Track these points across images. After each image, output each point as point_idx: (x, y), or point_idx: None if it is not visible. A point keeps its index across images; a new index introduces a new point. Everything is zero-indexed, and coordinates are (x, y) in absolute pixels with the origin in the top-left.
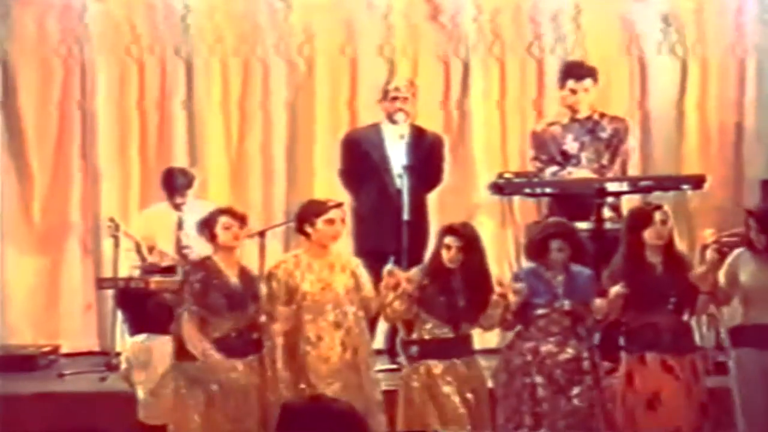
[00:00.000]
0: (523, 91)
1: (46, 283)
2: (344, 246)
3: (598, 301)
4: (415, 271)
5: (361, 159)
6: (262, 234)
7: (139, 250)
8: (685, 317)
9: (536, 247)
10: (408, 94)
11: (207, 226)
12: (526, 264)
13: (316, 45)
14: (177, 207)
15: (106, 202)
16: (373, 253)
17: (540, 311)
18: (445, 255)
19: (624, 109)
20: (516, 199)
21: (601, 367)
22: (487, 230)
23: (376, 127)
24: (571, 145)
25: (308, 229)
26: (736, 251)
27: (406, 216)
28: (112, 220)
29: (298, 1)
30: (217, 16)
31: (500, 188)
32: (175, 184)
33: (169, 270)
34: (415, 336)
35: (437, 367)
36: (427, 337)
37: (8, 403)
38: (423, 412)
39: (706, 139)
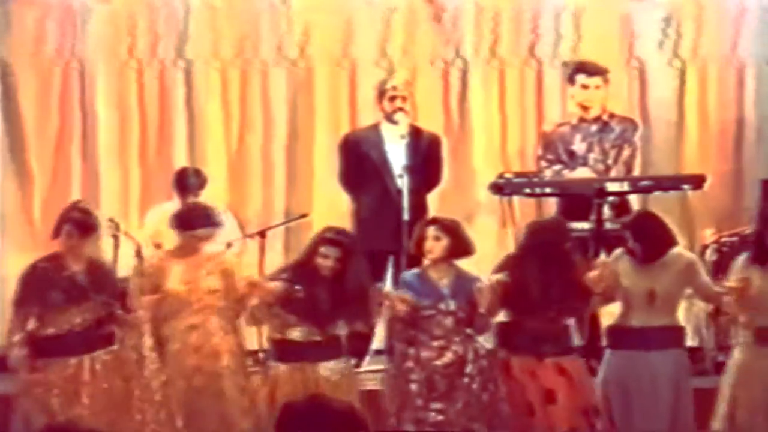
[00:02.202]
0: (523, 91)
1: None
2: None
3: (479, 284)
4: (278, 285)
5: (361, 160)
6: (262, 234)
7: (138, 253)
8: (568, 321)
9: (416, 236)
10: (406, 93)
11: (55, 227)
12: (412, 269)
13: (316, 44)
14: None
15: (106, 202)
16: (373, 254)
17: (426, 313)
18: (322, 263)
19: (624, 110)
20: (516, 199)
21: (491, 368)
22: (487, 230)
23: (375, 128)
24: (578, 146)
25: (178, 234)
26: (617, 252)
27: (406, 216)
28: (112, 220)
29: (299, 1)
30: (217, 16)
31: (500, 188)
32: (187, 184)
33: None
34: (277, 336)
35: (281, 369)
36: (288, 337)
37: (8, 402)
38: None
39: (706, 139)
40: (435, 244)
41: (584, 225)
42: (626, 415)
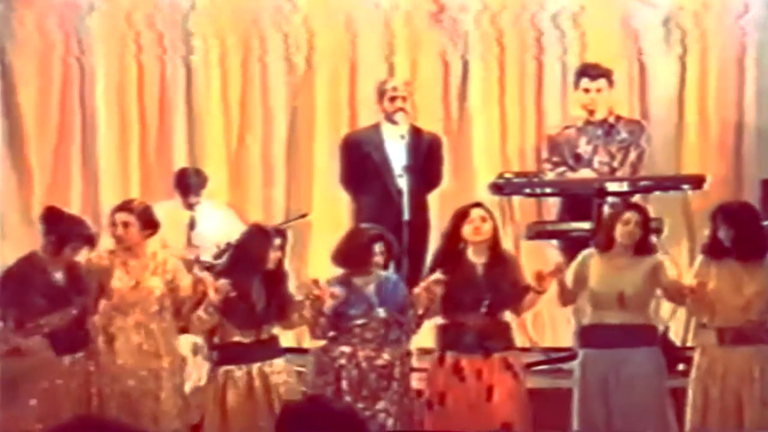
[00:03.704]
0: (523, 91)
1: None
2: None
3: (416, 290)
4: (223, 282)
5: (362, 160)
6: None
7: None
8: (503, 318)
9: (360, 252)
10: (406, 93)
11: (58, 241)
12: (336, 273)
13: (317, 45)
14: (190, 206)
15: (106, 202)
16: None
17: (357, 321)
18: (273, 256)
19: (624, 109)
20: (516, 199)
21: (410, 373)
22: None
23: (376, 128)
24: (584, 148)
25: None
26: (585, 252)
27: (406, 216)
28: None
29: (299, 1)
30: (218, 15)
31: (500, 188)
32: (189, 183)
33: None
34: (216, 340)
35: (236, 372)
36: (229, 340)
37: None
38: (222, 419)
39: (706, 139)
40: (381, 259)
41: (585, 225)
42: (607, 414)
